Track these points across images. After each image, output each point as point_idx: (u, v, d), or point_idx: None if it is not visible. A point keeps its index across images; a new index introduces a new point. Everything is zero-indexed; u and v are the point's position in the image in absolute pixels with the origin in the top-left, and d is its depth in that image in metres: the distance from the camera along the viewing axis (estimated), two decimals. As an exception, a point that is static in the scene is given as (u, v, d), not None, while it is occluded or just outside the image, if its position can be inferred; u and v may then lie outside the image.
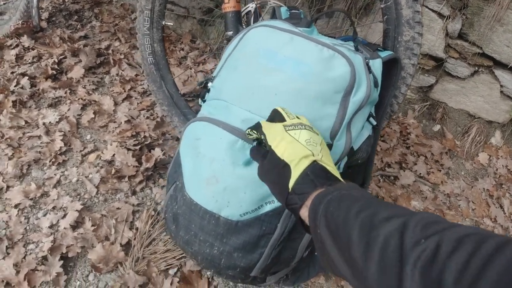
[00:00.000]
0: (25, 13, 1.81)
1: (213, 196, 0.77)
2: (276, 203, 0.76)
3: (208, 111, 0.83)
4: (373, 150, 0.98)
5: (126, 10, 2.12)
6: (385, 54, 0.94)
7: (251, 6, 1.22)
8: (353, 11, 1.71)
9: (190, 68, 1.71)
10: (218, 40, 1.80)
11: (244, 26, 1.14)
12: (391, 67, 1.00)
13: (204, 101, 0.89)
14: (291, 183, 0.57)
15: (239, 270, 0.82)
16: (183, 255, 1.11)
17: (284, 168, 0.59)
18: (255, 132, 0.69)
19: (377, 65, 0.86)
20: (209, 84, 0.88)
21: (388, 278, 0.38)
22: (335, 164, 0.79)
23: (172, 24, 1.79)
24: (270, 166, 0.62)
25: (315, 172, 0.57)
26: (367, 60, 0.83)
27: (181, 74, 1.69)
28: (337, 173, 0.60)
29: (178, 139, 1.40)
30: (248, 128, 0.70)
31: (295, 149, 0.60)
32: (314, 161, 0.59)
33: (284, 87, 0.76)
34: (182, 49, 1.85)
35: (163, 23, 1.28)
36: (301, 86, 0.76)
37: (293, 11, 0.97)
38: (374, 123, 0.88)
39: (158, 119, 1.44)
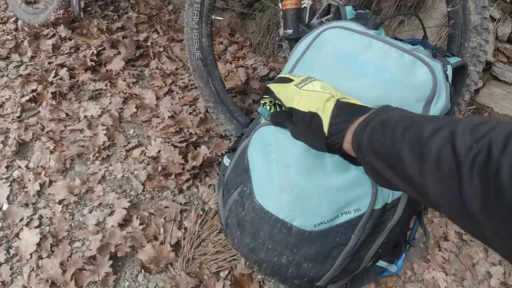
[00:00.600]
0: (63, 3, 1.78)
1: (287, 205, 0.73)
2: (353, 214, 0.72)
3: None
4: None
5: (162, 1, 2.08)
6: (454, 60, 0.89)
7: (307, 3, 1.17)
8: (402, 7, 1.64)
9: (230, 63, 1.67)
10: (259, 35, 1.75)
11: (303, 24, 1.08)
12: (457, 73, 0.96)
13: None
14: (325, 128, 0.59)
15: (306, 279, 0.79)
16: (233, 257, 1.08)
17: (313, 118, 0.61)
18: (267, 97, 0.71)
19: (449, 72, 0.82)
20: None
21: (447, 187, 0.39)
22: None
23: (221, 18, 1.75)
24: (300, 123, 0.65)
25: (343, 109, 0.60)
26: (444, 68, 0.79)
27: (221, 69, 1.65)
28: (362, 104, 0.61)
29: (222, 137, 1.36)
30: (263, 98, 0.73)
31: (315, 98, 0.63)
32: (338, 100, 0.61)
33: (365, 93, 0.72)
34: (221, 43, 1.81)
35: (213, 17, 1.24)
36: (382, 93, 0.72)
37: (359, 11, 0.92)
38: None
39: (202, 115, 1.40)
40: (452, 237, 1.26)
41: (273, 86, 0.70)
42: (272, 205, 0.75)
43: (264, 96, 0.74)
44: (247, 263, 1.07)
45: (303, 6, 1.16)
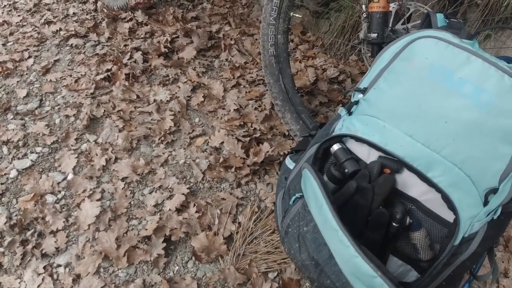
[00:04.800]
0: (144, -11, 1.85)
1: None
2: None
3: (358, 127, 0.74)
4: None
5: (237, -6, 2.10)
6: None
7: (392, 7, 1.11)
8: (489, 22, 1.52)
9: (300, 62, 1.64)
10: (332, 35, 1.70)
11: (389, 29, 1.03)
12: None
13: (350, 114, 0.79)
14: None
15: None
16: (284, 260, 1.05)
17: None
18: None
19: None
20: (359, 96, 0.78)
21: None
22: (494, 209, 0.67)
23: (300, 16, 1.72)
24: None
25: None
26: None
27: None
28: None
29: (285, 136, 1.34)
30: None
31: None
32: None
33: (457, 115, 0.64)
34: (292, 41, 1.78)
35: (291, 14, 1.21)
36: (478, 117, 0.63)
37: (452, 19, 0.85)
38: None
39: (267, 112, 1.38)
40: (516, 274, 1.14)
41: None
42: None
43: None
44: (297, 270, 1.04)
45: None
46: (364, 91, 0.77)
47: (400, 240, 0.70)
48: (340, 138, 0.76)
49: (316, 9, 1.80)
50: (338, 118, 0.85)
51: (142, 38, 1.80)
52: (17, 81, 1.61)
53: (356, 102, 0.78)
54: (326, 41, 1.72)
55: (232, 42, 1.73)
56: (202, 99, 1.44)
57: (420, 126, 0.67)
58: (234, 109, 1.39)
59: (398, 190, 0.68)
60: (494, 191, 0.64)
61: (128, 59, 1.64)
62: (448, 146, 0.64)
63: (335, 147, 0.75)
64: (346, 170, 0.71)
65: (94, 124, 1.40)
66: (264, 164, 1.24)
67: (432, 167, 0.64)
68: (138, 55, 1.65)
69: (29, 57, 1.76)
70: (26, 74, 1.66)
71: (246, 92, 1.49)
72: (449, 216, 0.65)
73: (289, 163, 1.02)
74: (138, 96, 1.47)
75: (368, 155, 0.71)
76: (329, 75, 1.58)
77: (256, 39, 1.80)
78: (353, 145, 0.74)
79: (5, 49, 1.83)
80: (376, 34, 0.99)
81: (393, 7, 1.12)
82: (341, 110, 0.83)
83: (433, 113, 0.66)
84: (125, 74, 1.56)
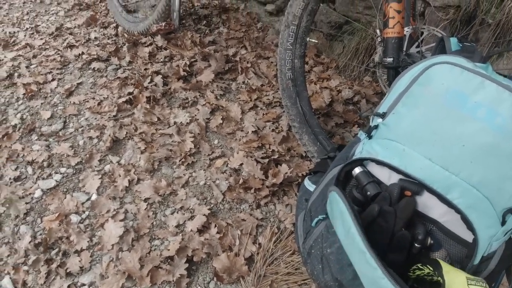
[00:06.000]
0: (163, 15, 1.92)
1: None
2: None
3: (378, 151, 0.76)
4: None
5: (252, 19, 2.17)
6: None
7: (406, 31, 1.15)
8: (501, 42, 1.54)
9: (315, 84, 1.68)
10: (346, 57, 1.74)
11: (403, 53, 1.06)
12: None
13: (370, 137, 0.82)
14: None
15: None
16: (304, 281, 1.06)
17: None
18: (431, 269, 0.63)
19: None
20: (379, 121, 0.81)
21: None
22: (509, 231, 0.68)
23: (316, 41, 1.78)
24: None
25: None
26: None
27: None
28: None
29: (303, 157, 1.36)
30: (421, 265, 0.65)
31: None
32: None
33: (474, 139, 0.67)
34: (306, 63, 1.82)
35: (307, 39, 1.26)
36: (494, 141, 0.66)
37: (465, 43, 0.87)
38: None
39: (284, 133, 1.42)
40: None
41: (444, 265, 0.65)
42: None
43: (427, 266, 0.67)
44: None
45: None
46: (383, 115, 0.80)
47: (421, 261, 0.71)
48: (361, 162, 0.78)
49: (329, 32, 1.85)
50: (357, 141, 0.88)
51: (161, 62, 1.86)
52: (41, 103, 1.68)
53: (376, 126, 0.81)
54: (340, 63, 1.77)
55: (249, 65, 1.78)
56: (221, 121, 1.48)
57: (438, 149, 0.69)
58: (252, 131, 1.43)
59: (419, 211, 0.70)
60: (511, 211, 0.66)
61: (149, 83, 1.70)
62: (465, 169, 0.66)
63: (357, 170, 0.77)
64: (368, 193, 0.73)
65: (116, 145, 1.44)
66: (282, 185, 1.27)
67: (451, 189, 0.66)
68: (158, 79, 1.70)
69: (53, 79, 1.83)
70: (50, 96, 1.73)
71: (263, 114, 1.53)
72: (468, 237, 0.66)
73: (308, 184, 1.04)
74: (159, 119, 1.52)
75: (388, 178, 0.74)
76: (344, 97, 1.62)
77: (272, 62, 1.85)
78: (374, 168, 0.77)
79: (29, 71, 1.90)
80: (391, 59, 1.02)
81: (407, 31, 1.15)
82: (361, 134, 0.86)
83: (450, 137, 0.69)
84: (146, 97, 1.62)
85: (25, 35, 2.35)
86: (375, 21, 1.68)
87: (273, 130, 1.45)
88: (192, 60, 1.81)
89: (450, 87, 0.73)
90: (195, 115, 1.52)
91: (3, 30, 2.47)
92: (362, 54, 1.72)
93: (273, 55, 1.90)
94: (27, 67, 1.94)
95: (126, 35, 2.11)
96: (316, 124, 1.29)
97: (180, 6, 1.75)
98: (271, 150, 1.36)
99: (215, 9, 2.25)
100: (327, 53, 1.86)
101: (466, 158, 0.65)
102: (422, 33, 1.21)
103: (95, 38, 2.18)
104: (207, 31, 2.08)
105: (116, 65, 1.90)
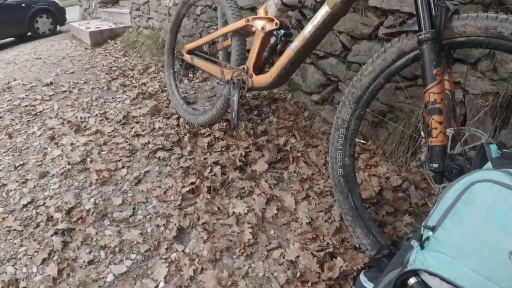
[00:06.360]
0: (221, 110, 2.14)
1: None
2: None
3: (430, 263, 0.85)
4: None
5: (299, 108, 2.36)
6: None
7: (448, 132, 1.24)
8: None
9: (363, 171, 1.77)
10: (392, 144, 1.84)
11: (447, 157, 1.14)
12: None
13: (422, 247, 0.91)
14: None
15: None
16: None
17: None
18: None
19: None
20: (429, 233, 0.90)
21: None
22: None
23: (365, 142, 1.92)
24: None
25: None
26: None
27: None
28: None
29: (356, 249, 1.42)
30: None
31: None
32: None
33: None
34: (353, 150, 1.94)
35: (356, 140, 1.39)
36: None
37: (504, 150, 0.95)
38: None
39: (337, 224, 1.50)
40: None
41: None
42: None
43: None
44: None
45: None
46: (433, 229, 0.89)
47: None
48: (415, 272, 0.86)
49: (373, 119, 1.98)
50: (410, 248, 0.96)
51: (219, 151, 2.05)
52: (112, 189, 1.87)
53: (427, 238, 0.90)
54: (386, 149, 1.86)
55: (299, 154, 1.93)
56: (276, 212, 1.60)
57: (483, 263, 0.77)
58: (306, 222, 1.52)
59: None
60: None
61: (209, 172, 1.87)
62: (506, 279, 0.73)
63: (412, 280, 0.86)
64: (423, 303, 0.80)
65: (181, 234, 1.58)
66: (338, 278, 1.32)
67: (493, 297, 0.73)
68: (217, 169, 1.88)
69: (123, 167, 2.04)
70: (120, 183, 1.93)
71: (315, 204, 1.63)
72: None
73: (364, 281, 1.11)
74: (219, 208, 1.66)
75: (439, 287, 0.81)
76: (393, 184, 1.69)
77: (320, 150, 1.98)
78: (426, 277, 0.85)
79: (100, 157, 2.13)
80: (437, 165, 1.11)
81: (449, 132, 1.25)
82: (414, 242, 0.94)
83: (492, 251, 0.77)
84: (207, 187, 1.78)
85: (95, 121, 2.64)
86: (417, 110, 1.80)
87: (326, 221, 1.54)
88: (247, 150, 1.98)
89: (491, 205, 0.81)
90: (252, 205, 1.65)
91: (74, 114, 2.79)
92: (407, 141, 1.81)
93: (321, 143, 2.04)
94: (98, 153, 2.18)
95: (187, 126, 2.35)
96: (369, 218, 1.37)
97: (238, 106, 1.97)
98: (325, 243, 1.43)
99: (265, 99, 2.48)
100: (372, 139, 1.98)
101: (507, 269, 0.72)
102: (464, 133, 1.30)
103: (159, 128, 2.43)
104: (258, 121, 2.28)
105: (179, 154, 2.11)
